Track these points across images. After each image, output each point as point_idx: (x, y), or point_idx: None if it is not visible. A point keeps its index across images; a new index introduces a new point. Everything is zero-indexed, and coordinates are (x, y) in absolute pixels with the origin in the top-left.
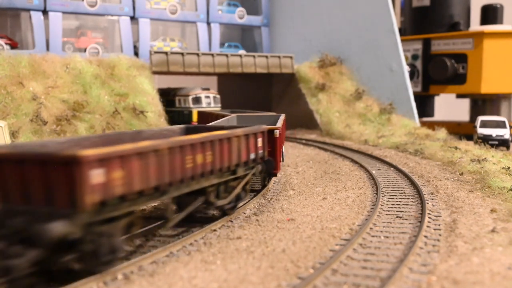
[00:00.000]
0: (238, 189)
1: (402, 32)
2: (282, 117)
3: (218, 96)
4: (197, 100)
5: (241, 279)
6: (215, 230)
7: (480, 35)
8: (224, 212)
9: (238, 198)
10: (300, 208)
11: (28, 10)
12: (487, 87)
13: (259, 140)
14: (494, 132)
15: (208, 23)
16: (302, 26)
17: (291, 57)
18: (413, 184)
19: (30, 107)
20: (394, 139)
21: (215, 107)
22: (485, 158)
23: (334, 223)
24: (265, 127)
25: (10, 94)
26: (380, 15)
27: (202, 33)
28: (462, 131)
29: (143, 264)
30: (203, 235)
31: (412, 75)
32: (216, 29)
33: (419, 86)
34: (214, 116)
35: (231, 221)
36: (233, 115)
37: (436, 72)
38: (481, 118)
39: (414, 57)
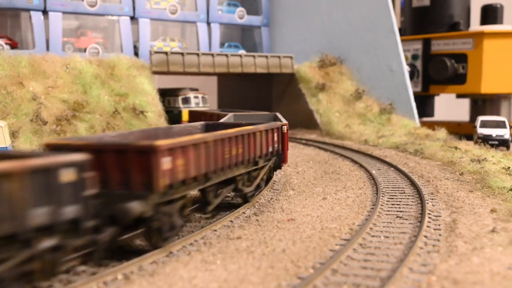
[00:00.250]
0: (258, 179)
1: (402, 32)
2: (281, 117)
3: (206, 96)
4: (186, 100)
5: (241, 279)
6: (215, 230)
7: (480, 35)
8: (246, 199)
9: (258, 187)
10: (300, 208)
11: (28, 10)
12: (487, 87)
13: (275, 135)
14: (494, 132)
15: (208, 23)
16: (302, 26)
17: (291, 57)
18: (413, 184)
19: (30, 107)
20: (394, 139)
21: (204, 107)
22: (485, 158)
23: (334, 223)
24: (279, 123)
25: (10, 94)
26: (380, 15)
27: (202, 33)
28: (462, 131)
29: (143, 264)
30: (203, 235)
31: (412, 75)
32: (216, 29)
33: (419, 86)
34: (208, 115)
35: (231, 221)
36: (230, 114)
37: (436, 72)
38: (481, 118)
39: (414, 57)
